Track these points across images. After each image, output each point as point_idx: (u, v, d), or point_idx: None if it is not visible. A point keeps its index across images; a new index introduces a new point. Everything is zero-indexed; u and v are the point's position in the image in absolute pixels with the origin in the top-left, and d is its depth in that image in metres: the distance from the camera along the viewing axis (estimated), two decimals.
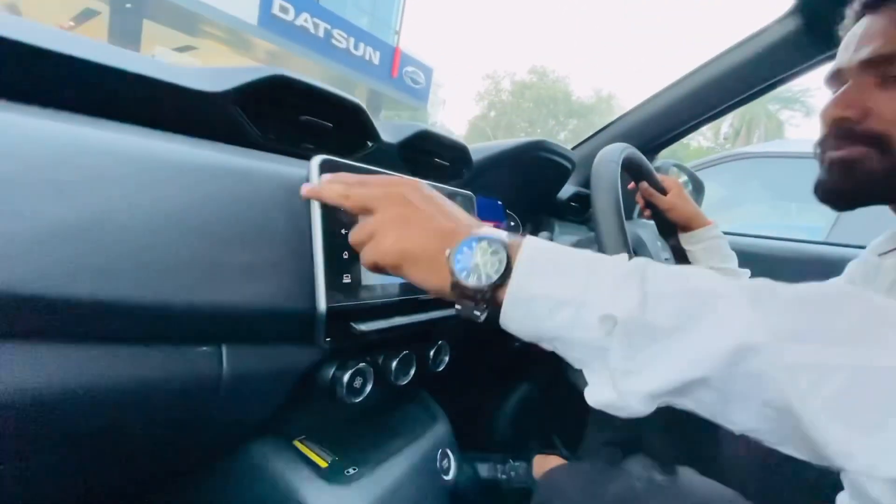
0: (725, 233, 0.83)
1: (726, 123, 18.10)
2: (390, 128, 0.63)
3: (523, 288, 0.30)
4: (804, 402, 0.25)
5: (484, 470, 0.73)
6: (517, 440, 0.96)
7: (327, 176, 0.39)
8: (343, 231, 0.45)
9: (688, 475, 0.47)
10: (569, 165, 0.94)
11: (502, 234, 0.32)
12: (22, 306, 0.29)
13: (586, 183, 0.62)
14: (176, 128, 0.42)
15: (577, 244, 0.80)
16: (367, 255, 0.35)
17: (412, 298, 0.53)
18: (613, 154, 0.64)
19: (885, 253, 0.56)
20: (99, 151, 0.34)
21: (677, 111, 1.05)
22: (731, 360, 0.26)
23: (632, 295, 0.28)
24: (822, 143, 0.50)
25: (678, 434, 0.64)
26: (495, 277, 0.30)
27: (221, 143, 0.45)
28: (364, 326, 0.46)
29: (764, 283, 0.29)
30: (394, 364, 0.54)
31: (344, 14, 11.40)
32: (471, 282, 0.30)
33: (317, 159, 0.44)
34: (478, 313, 0.31)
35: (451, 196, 0.62)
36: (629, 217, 1.02)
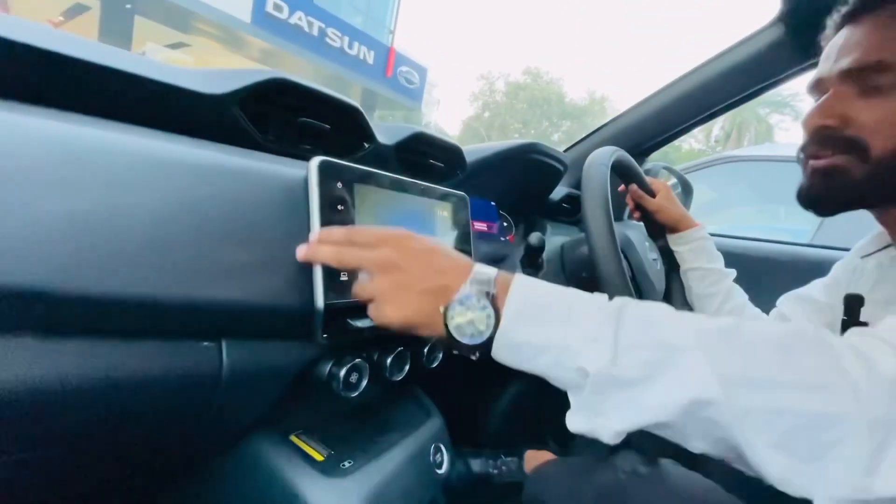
0: (712, 234, 0.85)
1: (717, 126, 18.25)
2: (386, 129, 0.65)
3: (509, 336, 0.34)
4: (752, 441, 0.29)
5: (476, 465, 0.74)
6: (509, 436, 0.98)
7: (314, 235, 0.42)
8: None
9: (671, 468, 0.49)
10: (561, 167, 0.95)
11: (490, 277, 0.36)
12: (22, 301, 0.29)
13: (578, 184, 0.64)
14: (178, 128, 0.43)
15: (569, 244, 0.82)
16: (373, 316, 0.39)
17: None
18: (603, 157, 0.66)
19: (868, 255, 0.58)
20: (102, 151, 0.35)
21: (667, 115, 1.08)
22: (687, 409, 0.30)
23: (604, 348, 0.32)
24: (805, 150, 0.52)
25: None
26: (487, 333, 0.34)
27: (222, 144, 0.46)
28: (360, 323, 0.47)
29: (729, 327, 0.32)
30: (389, 360, 0.55)
31: (338, 13, 11.36)
32: (466, 340, 0.34)
33: (315, 160, 0.45)
34: (473, 357, 0.36)
35: (445, 197, 0.64)
36: (619, 218, 1.05)
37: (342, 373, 0.49)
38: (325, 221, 0.44)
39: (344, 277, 0.46)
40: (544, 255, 0.78)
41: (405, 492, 0.54)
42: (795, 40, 0.84)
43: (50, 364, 0.31)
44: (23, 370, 0.30)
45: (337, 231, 0.41)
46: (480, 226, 0.90)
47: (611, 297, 0.46)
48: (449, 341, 0.35)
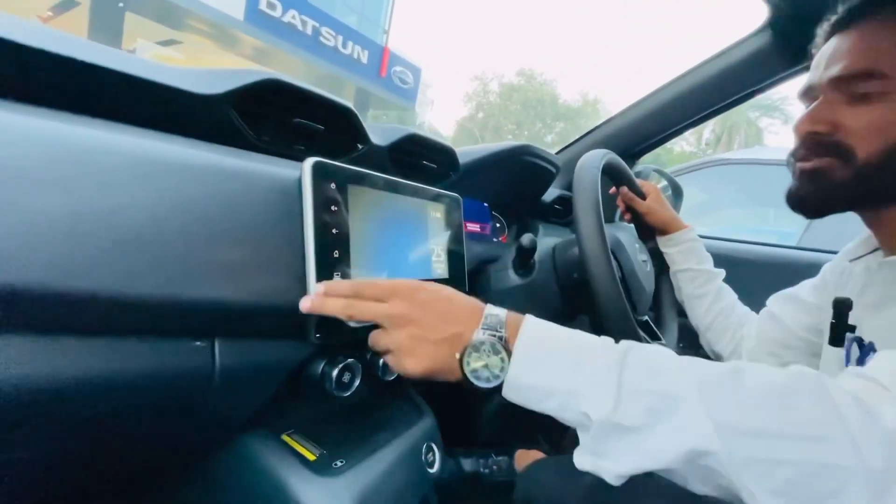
0: (701, 236, 0.86)
1: (708, 129, 18.52)
2: (380, 130, 0.65)
3: (519, 379, 0.36)
4: (752, 489, 0.30)
5: (467, 464, 0.75)
6: (501, 435, 0.99)
7: (320, 288, 0.42)
8: (334, 230, 0.46)
9: None
10: (553, 169, 0.96)
11: (500, 319, 0.38)
12: (14, 300, 0.29)
13: (570, 186, 0.65)
14: (171, 128, 0.43)
15: (560, 245, 0.83)
16: (392, 366, 0.41)
17: None
18: (594, 160, 0.67)
19: (856, 259, 0.59)
20: (94, 150, 0.35)
21: (657, 118, 1.09)
22: (686, 458, 0.31)
23: (608, 395, 0.33)
24: (794, 154, 0.53)
25: None
26: (503, 377, 0.36)
27: (216, 144, 0.46)
28: (354, 323, 0.47)
29: (730, 375, 0.33)
30: (381, 360, 0.55)
31: (332, 12, 11.33)
32: (482, 384, 0.37)
33: (308, 161, 0.45)
34: (486, 392, 0.38)
35: (438, 198, 0.64)
36: (611, 220, 1.06)
37: (335, 372, 0.49)
38: (319, 222, 0.44)
39: (337, 277, 0.46)
40: (536, 257, 0.79)
41: (397, 491, 0.54)
42: (782, 46, 0.85)
43: (42, 363, 0.31)
44: (14, 369, 0.30)
45: (344, 284, 0.42)
46: (473, 227, 0.90)
47: (601, 298, 0.48)
48: (466, 384, 0.37)
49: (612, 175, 0.80)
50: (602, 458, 0.34)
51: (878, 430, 0.29)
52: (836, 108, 0.48)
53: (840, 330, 0.55)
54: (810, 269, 1.03)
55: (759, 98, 1.05)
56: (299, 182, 0.45)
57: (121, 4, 8.70)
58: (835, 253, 1.07)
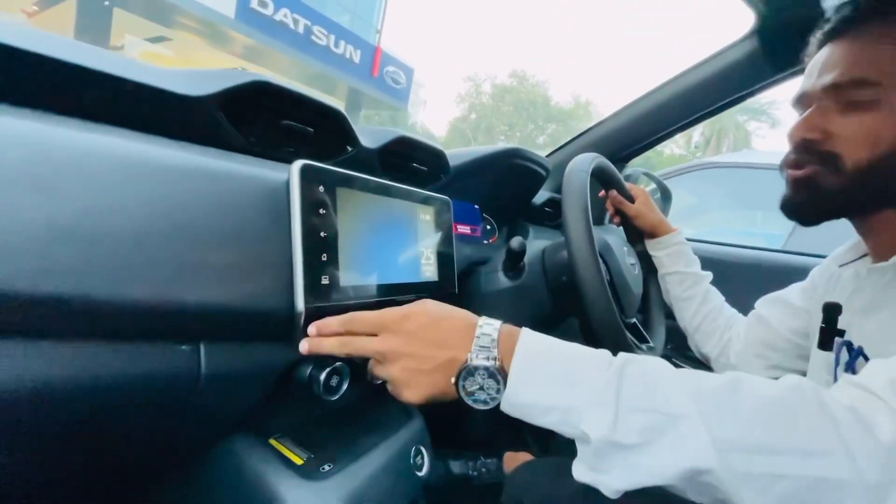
0: (689, 239, 0.87)
1: (697, 133, 18.76)
2: (370, 133, 0.65)
3: (517, 397, 0.37)
4: (751, 502, 0.30)
5: (456, 466, 0.75)
6: (491, 438, 0.99)
7: (312, 330, 0.43)
8: (322, 233, 0.46)
9: None
10: (543, 172, 0.97)
11: (493, 337, 0.38)
12: (0, 302, 0.29)
13: (560, 189, 0.65)
14: (158, 130, 0.43)
15: (550, 248, 0.83)
16: (394, 395, 0.42)
17: (389, 300, 0.55)
18: (584, 164, 0.67)
19: (845, 264, 0.60)
20: (81, 152, 0.34)
21: (646, 123, 1.10)
22: (684, 476, 0.32)
23: (606, 414, 0.33)
24: (787, 162, 0.53)
25: None
26: (498, 398, 0.37)
27: (203, 146, 0.45)
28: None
29: (727, 389, 0.33)
30: (370, 363, 0.55)
31: (325, 11, 11.27)
32: (480, 406, 0.38)
33: (297, 164, 0.45)
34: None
35: (428, 200, 0.64)
36: (600, 223, 1.07)
37: (323, 376, 0.49)
38: (307, 225, 0.44)
39: (325, 281, 0.46)
40: (526, 259, 0.79)
41: (385, 494, 0.54)
42: (769, 53, 0.87)
43: (24, 367, 0.31)
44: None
45: (334, 322, 0.43)
46: (464, 228, 0.91)
47: (589, 301, 0.49)
48: (465, 405, 0.38)
49: (601, 178, 0.80)
50: (600, 474, 0.35)
51: (875, 445, 0.30)
52: (829, 115, 0.48)
53: (829, 334, 0.56)
54: (796, 273, 1.05)
55: (748, 102, 1.06)
56: (287, 185, 0.45)
57: (107, 2, 8.58)
58: (820, 256, 1.09)
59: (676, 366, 0.37)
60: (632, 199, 0.86)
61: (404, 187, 0.60)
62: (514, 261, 0.77)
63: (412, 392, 0.40)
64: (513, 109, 26.89)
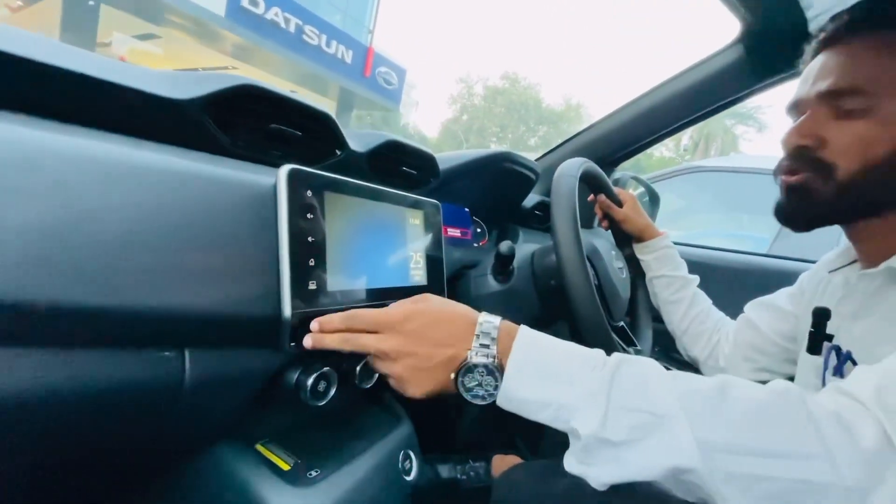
0: (675, 243, 0.89)
1: (686, 136, 18.98)
2: (359, 136, 0.65)
3: (511, 394, 0.39)
4: (734, 502, 0.32)
5: (444, 471, 0.75)
6: (480, 441, 0.99)
7: (315, 326, 0.43)
8: (310, 238, 0.46)
9: None
10: (533, 176, 0.97)
11: (493, 335, 0.40)
12: None
13: (550, 193, 0.66)
14: (143, 133, 0.42)
15: (539, 251, 0.83)
16: (397, 390, 0.43)
17: (378, 304, 0.54)
18: (572, 168, 0.68)
19: (835, 270, 0.60)
20: (62, 156, 0.34)
21: (635, 127, 1.11)
22: (668, 473, 0.34)
23: (596, 411, 0.35)
24: (781, 168, 0.54)
25: None
26: (496, 394, 0.39)
27: (189, 150, 0.45)
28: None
29: (714, 393, 0.35)
30: (358, 368, 0.55)
31: (317, 10, 11.22)
32: (478, 401, 0.40)
33: (284, 168, 0.44)
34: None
35: (418, 204, 0.64)
36: (589, 227, 1.08)
37: (310, 381, 0.49)
38: (294, 230, 0.44)
39: (312, 286, 0.45)
40: (515, 263, 0.79)
41: (374, 499, 0.54)
42: (754, 61, 0.88)
43: (4, 375, 0.30)
44: None
45: (336, 319, 0.44)
46: (454, 232, 0.91)
47: (577, 305, 0.49)
48: (464, 400, 0.40)
49: (589, 183, 0.81)
50: (588, 467, 0.37)
51: (857, 450, 0.31)
52: (823, 122, 0.49)
53: (818, 338, 0.56)
54: (780, 276, 1.06)
55: (735, 107, 1.08)
56: (275, 189, 0.45)
57: None
58: (803, 261, 1.11)
59: (665, 368, 0.38)
60: (620, 204, 0.87)
61: (394, 191, 0.60)
62: (503, 264, 0.78)
63: (414, 388, 0.41)
64: (505, 111, 27.01)
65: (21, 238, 0.30)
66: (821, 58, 0.51)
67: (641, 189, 1.32)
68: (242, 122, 0.51)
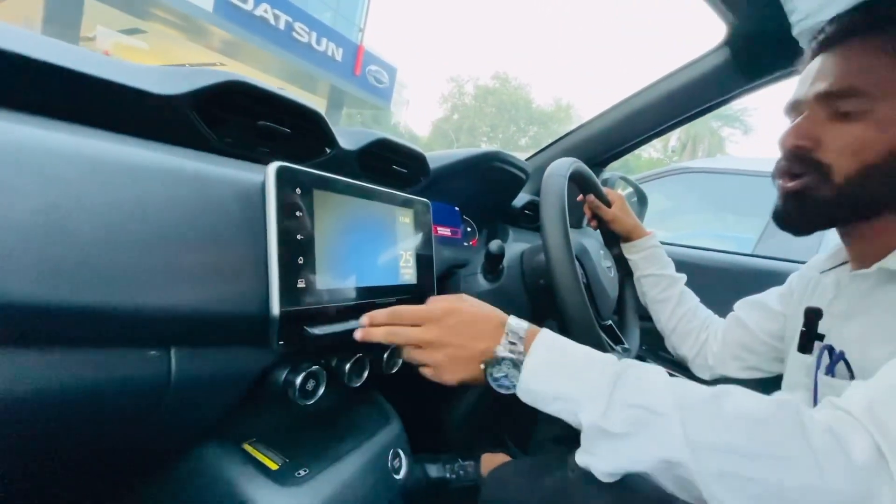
0: (663, 243, 0.90)
1: (674, 137, 19.24)
2: (349, 134, 0.64)
3: (530, 384, 0.43)
4: (724, 501, 0.33)
5: (433, 470, 0.75)
6: (469, 440, 0.99)
7: (364, 320, 0.48)
8: (299, 236, 0.45)
9: None
10: (523, 175, 0.98)
11: (520, 335, 0.45)
12: None
13: (539, 192, 0.66)
14: (128, 129, 0.42)
15: (528, 251, 0.84)
16: (432, 378, 0.48)
17: (367, 302, 0.54)
18: (561, 168, 0.68)
19: (826, 271, 0.61)
20: (45, 151, 0.33)
21: (624, 128, 1.12)
22: (659, 466, 0.36)
23: (599, 405, 0.39)
24: (778, 169, 0.54)
25: None
26: (518, 384, 0.44)
27: (176, 146, 0.44)
28: (318, 330, 0.47)
29: (712, 398, 0.37)
30: (347, 366, 0.55)
31: (307, 8, 11.11)
32: (503, 390, 0.45)
33: (273, 166, 0.44)
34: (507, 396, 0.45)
35: (408, 203, 0.64)
36: (578, 226, 1.09)
37: (298, 380, 0.48)
38: (283, 228, 0.44)
39: (301, 284, 0.45)
40: (505, 262, 0.80)
41: (362, 499, 0.54)
42: (739, 64, 0.89)
43: None
44: None
45: (383, 313, 0.48)
46: (444, 231, 0.91)
47: (566, 304, 0.51)
48: (490, 388, 0.45)
49: (579, 183, 0.82)
50: (592, 457, 0.40)
51: (846, 460, 0.32)
52: (820, 124, 0.49)
53: (809, 338, 0.57)
54: (764, 276, 1.08)
55: (721, 109, 1.09)
56: (263, 186, 0.44)
57: None
58: (788, 261, 1.13)
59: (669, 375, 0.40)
60: (609, 204, 0.88)
61: (383, 189, 0.60)
62: (493, 263, 0.78)
63: (450, 375, 0.46)
64: (495, 111, 27.08)
65: (2, 235, 0.29)
66: (819, 59, 0.51)
67: (630, 189, 1.33)
68: (230, 118, 0.50)
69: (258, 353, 0.46)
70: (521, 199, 1.12)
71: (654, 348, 1.15)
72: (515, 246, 0.87)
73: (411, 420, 0.70)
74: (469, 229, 1.04)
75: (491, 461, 0.79)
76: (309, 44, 11.02)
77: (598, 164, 1.23)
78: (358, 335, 0.47)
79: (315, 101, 0.54)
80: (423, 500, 0.72)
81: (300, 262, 0.45)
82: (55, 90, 0.39)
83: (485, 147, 0.90)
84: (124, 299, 0.35)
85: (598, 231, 0.94)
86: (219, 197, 0.42)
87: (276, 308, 0.43)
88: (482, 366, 0.45)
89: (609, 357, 0.43)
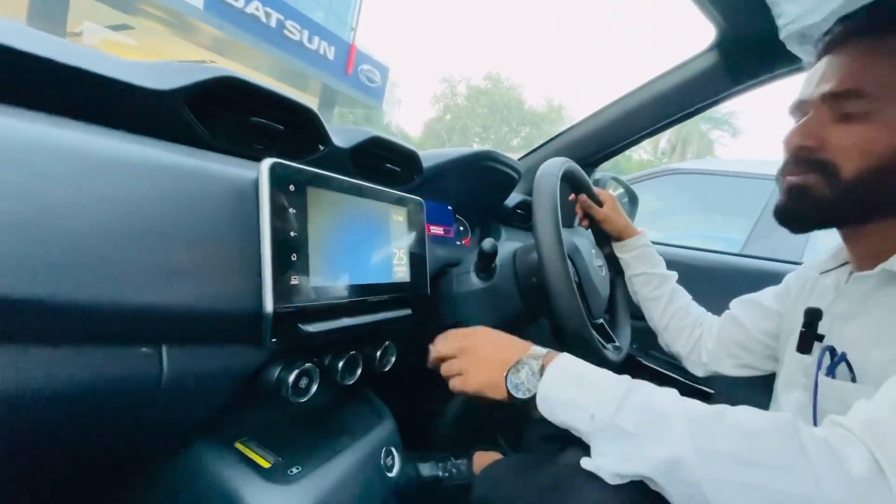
0: (654, 243, 0.91)
1: (664, 139, 19.46)
2: (342, 132, 0.64)
3: (546, 393, 0.46)
4: None
5: (426, 469, 0.75)
6: (462, 438, 0.99)
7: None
8: (292, 234, 0.45)
9: None
10: (515, 175, 0.98)
11: (540, 354, 0.49)
12: None
13: (531, 192, 0.66)
14: (119, 124, 0.41)
15: (521, 250, 0.84)
16: (456, 385, 0.54)
17: (360, 300, 0.54)
18: (554, 168, 0.69)
19: (826, 272, 0.61)
20: (35, 147, 0.33)
21: (615, 129, 1.14)
22: (667, 467, 0.37)
23: (611, 406, 0.42)
24: (783, 169, 0.54)
25: None
26: (534, 391, 0.47)
27: (168, 142, 0.44)
28: (311, 328, 0.47)
29: (717, 412, 0.39)
30: (340, 364, 0.54)
31: (298, 6, 11.03)
32: (519, 396, 0.48)
33: (266, 162, 0.44)
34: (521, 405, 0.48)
35: (401, 201, 0.64)
36: (570, 226, 1.09)
37: (291, 378, 0.48)
38: (276, 225, 0.44)
39: (294, 282, 0.45)
40: (497, 261, 0.80)
41: (355, 496, 0.54)
42: (728, 66, 0.91)
43: None
44: None
45: (446, 334, 0.59)
46: (437, 229, 0.91)
47: (558, 303, 0.52)
48: (509, 398, 0.49)
49: (571, 182, 0.82)
50: (602, 458, 0.41)
51: (843, 472, 0.32)
52: (825, 124, 0.49)
53: (809, 338, 0.57)
54: (754, 275, 1.10)
55: (710, 111, 1.11)
56: (256, 183, 0.44)
57: None
58: (777, 261, 1.15)
59: (640, 364, 0.41)
60: (600, 203, 0.89)
61: (377, 187, 0.60)
62: (485, 262, 0.78)
63: (474, 377, 0.52)
64: (488, 111, 27.11)
65: None
66: (826, 60, 0.51)
67: (621, 190, 1.34)
68: (223, 114, 0.50)
69: (251, 351, 0.46)
70: (514, 198, 1.12)
71: (645, 347, 1.16)
72: (508, 245, 0.87)
73: (404, 418, 0.70)
74: (462, 228, 1.04)
75: (483, 459, 0.79)
76: (301, 42, 10.95)
77: (590, 164, 1.24)
78: (432, 361, 0.58)
79: (307, 100, 0.54)
80: (416, 498, 0.72)
81: (293, 259, 0.45)
82: (43, 83, 0.38)
83: (477, 146, 0.90)
84: (113, 296, 0.34)
85: (590, 231, 0.95)
86: (211, 193, 0.42)
87: (269, 305, 0.43)
88: (503, 374, 0.49)
89: (624, 376, 0.46)
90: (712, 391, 1.05)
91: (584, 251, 0.81)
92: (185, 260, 0.39)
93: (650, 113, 1.06)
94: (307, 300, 0.47)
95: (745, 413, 0.38)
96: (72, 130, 0.36)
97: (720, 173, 2.16)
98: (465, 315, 0.79)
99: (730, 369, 0.76)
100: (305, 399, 0.50)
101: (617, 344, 0.82)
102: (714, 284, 1.14)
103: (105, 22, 9.51)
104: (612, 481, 0.40)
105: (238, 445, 0.51)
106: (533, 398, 0.47)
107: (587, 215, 0.90)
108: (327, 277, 0.49)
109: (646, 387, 0.43)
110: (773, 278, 0.75)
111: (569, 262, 0.65)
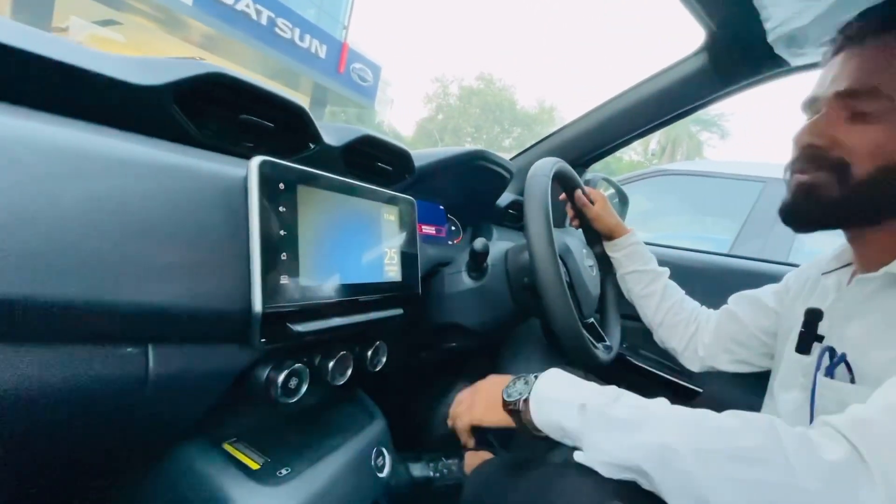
0: (645, 243, 0.91)
1: (654, 141, 19.66)
2: (334, 130, 0.64)
3: (539, 393, 0.50)
4: (715, 499, 0.36)
5: (417, 469, 0.75)
6: (453, 438, 0.99)
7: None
8: (282, 232, 0.45)
9: None
10: (507, 175, 0.98)
11: (533, 376, 0.53)
12: None
13: (523, 192, 0.66)
14: (105, 120, 0.41)
15: (512, 249, 0.85)
16: (464, 420, 0.60)
17: (350, 300, 0.54)
18: (545, 168, 0.69)
19: (829, 272, 0.60)
20: (20, 142, 0.32)
21: (605, 130, 1.14)
22: (660, 455, 0.38)
23: (604, 398, 0.46)
24: (791, 166, 0.53)
25: None
26: (525, 395, 0.51)
27: (156, 139, 0.43)
28: (301, 327, 0.46)
29: (700, 414, 0.41)
30: (330, 364, 0.54)
31: (290, 4, 10.94)
32: (513, 399, 0.52)
33: (256, 160, 0.43)
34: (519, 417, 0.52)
35: (392, 200, 0.64)
36: (561, 226, 1.10)
37: (281, 378, 0.48)
38: (265, 223, 0.43)
39: (284, 281, 0.45)
40: (489, 260, 0.80)
41: (345, 497, 0.54)
42: (717, 68, 0.92)
43: None
44: None
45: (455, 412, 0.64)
46: (428, 229, 0.91)
47: (549, 302, 0.53)
48: (504, 406, 0.53)
49: (562, 182, 0.83)
50: (593, 450, 0.43)
51: (817, 460, 0.34)
52: (837, 123, 0.48)
53: (808, 338, 0.57)
54: (742, 276, 1.11)
55: (699, 113, 1.12)
56: (245, 181, 0.44)
57: None
58: (765, 261, 1.16)
59: (630, 364, 0.42)
60: (591, 203, 0.89)
61: (368, 186, 0.59)
62: (477, 262, 0.78)
63: (476, 409, 0.58)
64: (480, 112, 27.15)
65: None
66: (840, 57, 0.50)
67: (612, 190, 1.35)
68: (212, 111, 0.49)
69: (239, 351, 0.46)
70: (506, 198, 1.12)
71: (636, 346, 1.17)
72: (500, 245, 0.87)
73: (395, 419, 0.70)
74: (453, 228, 1.04)
75: (474, 459, 0.79)
76: (292, 40, 10.86)
77: (581, 164, 1.25)
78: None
79: (298, 98, 0.54)
80: (407, 498, 0.71)
81: (283, 258, 0.45)
82: (26, 78, 0.37)
83: (469, 146, 0.90)
84: (98, 294, 0.34)
85: (581, 230, 0.96)
86: (200, 191, 0.41)
87: (258, 305, 0.42)
88: (500, 391, 0.55)
89: (612, 386, 0.49)
90: (700, 390, 1.06)
91: (576, 251, 0.81)
92: (172, 258, 0.38)
93: (640, 114, 1.07)
94: (297, 300, 0.46)
95: (726, 416, 0.40)
96: (56, 127, 0.36)
97: (709, 174, 2.19)
98: (457, 315, 0.78)
99: (726, 364, 0.76)
100: (295, 400, 0.50)
101: (607, 343, 0.83)
102: (703, 284, 1.15)
103: (92, 17, 9.34)
104: (607, 473, 0.42)
105: (226, 446, 0.50)
106: (526, 402, 0.50)
107: (578, 215, 0.90)
108: (317, 277, 0.49)
109: (634, 394, 0.47)
110: (761, 278, 0.75)
111: (560, 261, 0.65)
